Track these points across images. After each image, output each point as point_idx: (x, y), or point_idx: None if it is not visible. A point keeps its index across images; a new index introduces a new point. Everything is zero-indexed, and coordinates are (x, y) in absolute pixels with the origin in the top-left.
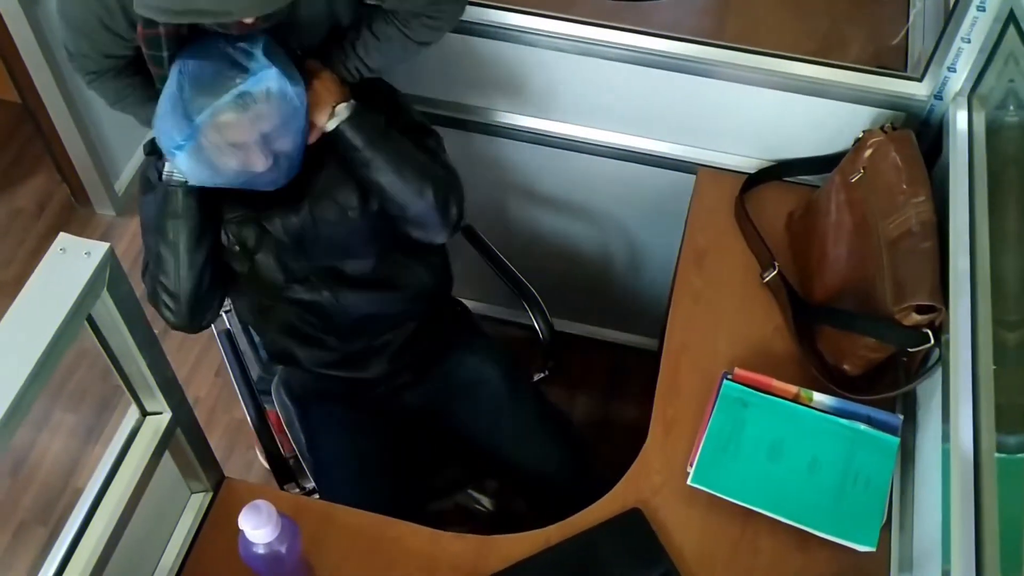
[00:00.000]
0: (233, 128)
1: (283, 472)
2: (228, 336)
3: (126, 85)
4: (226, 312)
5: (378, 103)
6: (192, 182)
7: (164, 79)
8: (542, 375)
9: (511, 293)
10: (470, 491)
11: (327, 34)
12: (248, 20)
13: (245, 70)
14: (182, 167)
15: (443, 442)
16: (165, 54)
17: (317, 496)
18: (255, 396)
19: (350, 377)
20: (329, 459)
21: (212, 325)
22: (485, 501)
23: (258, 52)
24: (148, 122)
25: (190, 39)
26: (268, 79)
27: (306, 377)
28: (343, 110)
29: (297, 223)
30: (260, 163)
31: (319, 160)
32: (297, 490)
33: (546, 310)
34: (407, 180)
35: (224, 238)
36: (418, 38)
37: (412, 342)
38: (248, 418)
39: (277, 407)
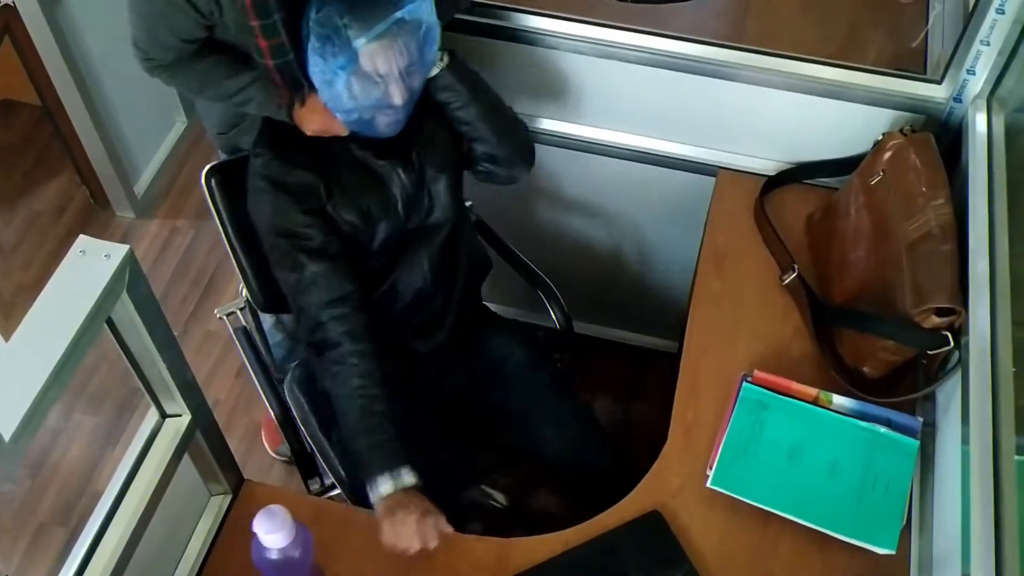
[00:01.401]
0: (386, 55)
1: (308, 467)
2: (245, 333)
3: (209, 65)
4: (240, 309)
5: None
6: (339, 108)
7: (280, 49)
8: (558, 365)
9: (527, 293)
10: (483, 487)
11: None
12: None
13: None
14: (339, 89)
15: (473, 428)
16: (276, 17)
17: (337, 491)
18: (278, 392)
19: (411, 350)
20: None
21: (228, 322)
22: (499, 497)
23: None
24: (236, 92)
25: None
26: (423, 10)
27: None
28: (443, 55)
29: (414, 177)
30: (399, 96)
31: (419, 111)
32: (318, 484)
33: (561, 300)
34: (503, 117)
35: (352, 217)
36: None
37: (464, 316)
38: (271, 413)
39: (292, 404)
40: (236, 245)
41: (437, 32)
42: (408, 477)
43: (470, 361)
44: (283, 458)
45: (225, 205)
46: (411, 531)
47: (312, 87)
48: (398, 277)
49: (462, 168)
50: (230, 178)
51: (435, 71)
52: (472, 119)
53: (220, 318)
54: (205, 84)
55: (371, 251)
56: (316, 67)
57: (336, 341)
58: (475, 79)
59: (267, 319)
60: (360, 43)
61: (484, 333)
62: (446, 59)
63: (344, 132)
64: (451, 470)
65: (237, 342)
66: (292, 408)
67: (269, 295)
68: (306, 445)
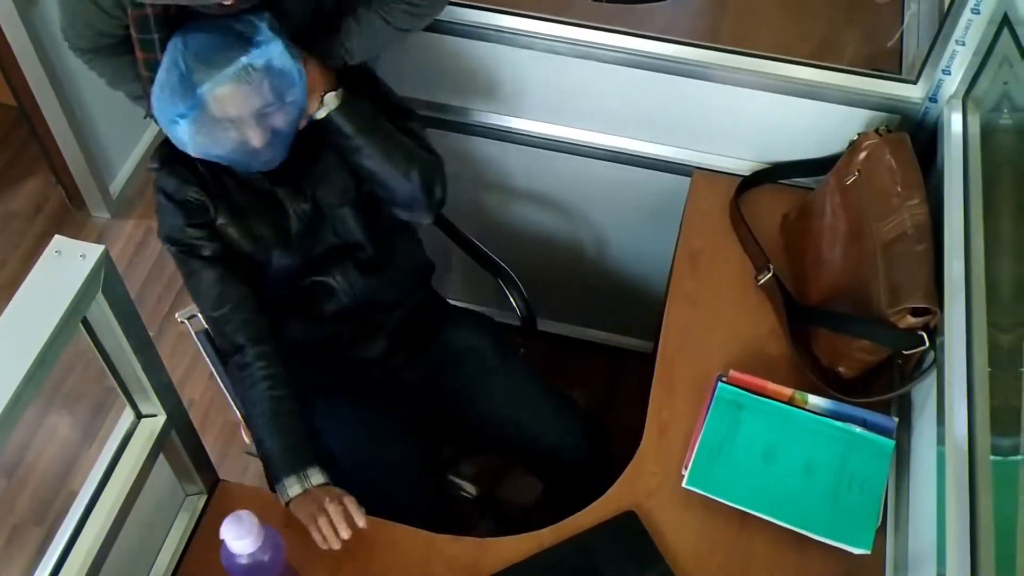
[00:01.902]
0: (234, 100)
1: None
2: (207, 336)
3: (122, 63)
4: (200, 313)
5: (363, 89)
6: (192, 152)
7: (153, 64)
8: (521, 351)
9: (486, 287)
10: (451, 477)
11: (310, 19)
12: (227, 2)
13: (249, 42)
14: (183, 137)
15: (440, 421)
16: (155, 36)
17: None
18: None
19: (351, 359)
20: (336, 449)
21: (189, 326)
22: (468, 487)
23: (263, 25)
24: (139, 97)
25: (179, 19)
26: (273, 52)
27: (301, 370)
28: (332, 99)
29: (307, 208)
30: (257, 139)
31: (316, 146)
32: None
33: (522, 288)
34: (395, 164)
35: (241, 239)
36: (399, 25)
37: (407, 321)
38: (239, 416)
39: None
40: None
41: (295, 75)
42: (316, 477)
43: (431, 354)
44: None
45: None
46: (322, 526)
47: None
48: (319, 297)
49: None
50: None
51: (322, 113)
52: (363, 163)
53: (181, 322)
54: (115, 80)
55: (268, 274)
56: (157, 106)
57: (239, 344)
58: (368, 124)
59: None
60: (205, 89)
61: (444, 327)
62: (335, 102)
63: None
64: (417, 463)
65: (200, 345)
66: None
67: None
68: None
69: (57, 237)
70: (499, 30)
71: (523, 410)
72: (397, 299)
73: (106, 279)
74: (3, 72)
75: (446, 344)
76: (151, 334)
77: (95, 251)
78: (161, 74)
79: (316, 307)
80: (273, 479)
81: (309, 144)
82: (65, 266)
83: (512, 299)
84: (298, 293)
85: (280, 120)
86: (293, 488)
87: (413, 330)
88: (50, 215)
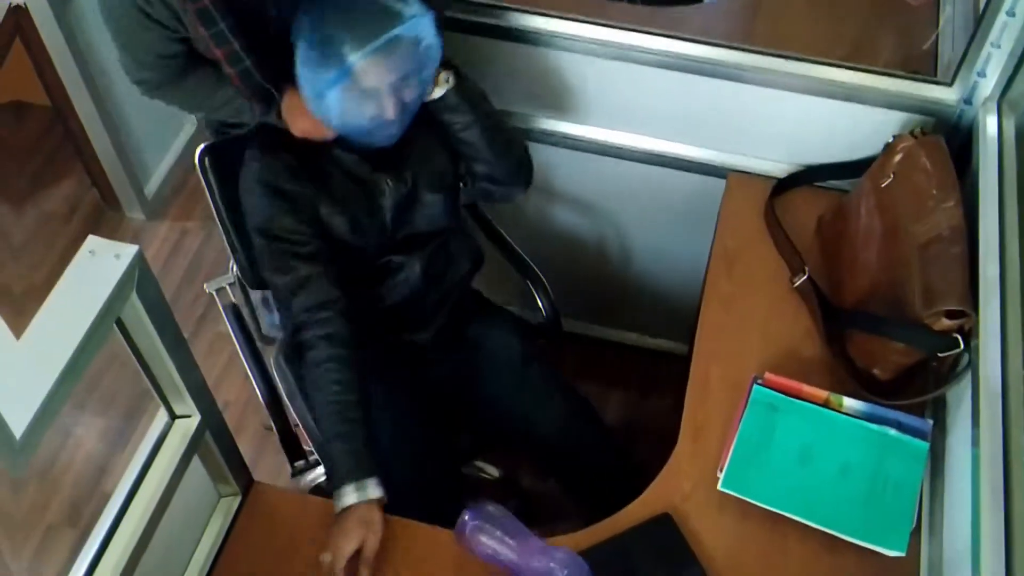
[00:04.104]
0: (382, 70)
1: (293, 448)
2: (234, 309)
3: (196, 80)
4: (230, 285)
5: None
6: (333, 123)
7: (236, 57)
8: (542, 344)
9: (515, 286)
10: (475, 462)
11: None
12: None
13: (399, 15)
14: (331, 107)
15: (460, 413)
16: (222, 25)
17: (321, 467)
18: (264, 369)
19: (400, 343)
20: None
21: (217, 297)
22: (490, 469)
23: None
24: (225, 103)
25: (245, 9)
26: (423, 27)
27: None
28: (449, 77)
29: (404, 190)
30: (391, 110)
31: (415, 130)
32: (302, 461)
33: (550, 289)
34: (505, 139)
35: (342, 227)
36: None
37: (454, 311)
38: (258, 392)
39: (278, 379)
40: (227, 223)
41: (437, 50)
42: (374, 490)
43: (462, 348)
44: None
45: (218, 184)
46: (340, 556)
47: (280, 95)
48: (390, 279)
49: (459, 185)
50: (224, 158)
51: (438, 92)
52: (474, 140)
53: (210, 292)
54: (195, 100)
55: (360, 258)
56: (304, 79)
57: (316, 344)
58: (479, 100)
59: (256, 296)
60: (355, 58)
61: (479, 325)
62: (452, 80)
63: (331, 136)
64: (439, 452)
65: (225, 317)
66: (279, 383)
67: (259, 273)
68: (290, 423)
69: (91, 237)
70: (535, 32)
71: (542, 415)
72: (455, 288)
73: (140, 279)
74: (38, 72)
75: (478, 340)
76: (185, 335)
77: (129, 251)
78: (306, 43)
79: (384, 286)
80: (333, 483)
81: (411, 129)
82: (99, 266)
83: (539, 300)
84: (371, 271)
85: (412, 94)
86: (350, 496)
87: (456, 322)
88: (85, 216)
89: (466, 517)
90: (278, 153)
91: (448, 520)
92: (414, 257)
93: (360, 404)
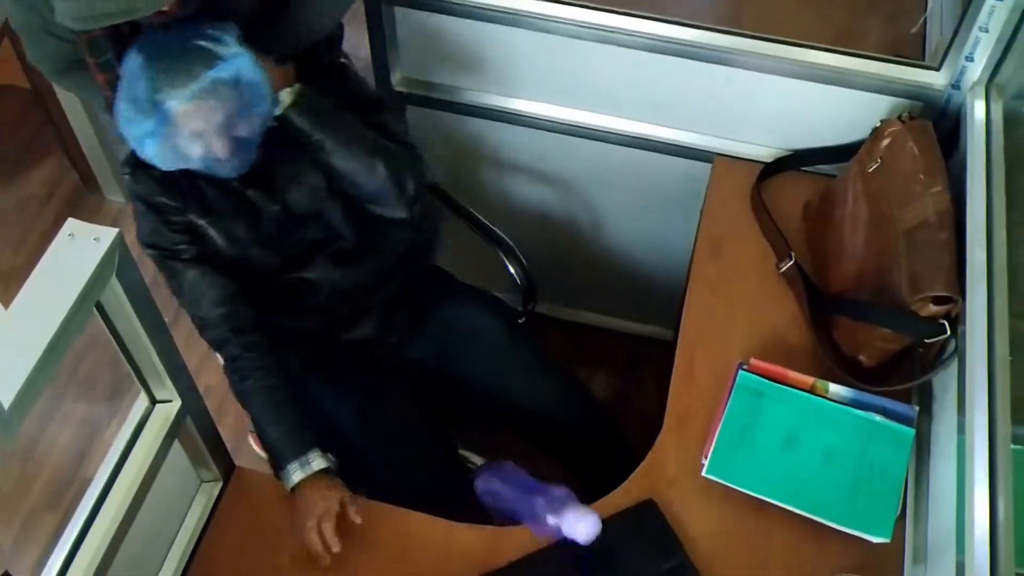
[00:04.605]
0: (201, 114)
1: None
2: None
3: (90, 80)
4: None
5: (325, 82)
6: (160, 166)
7: (116, 83)
8: (522, 321)
9: (492, 268)
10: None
11: (258, 6)
12: (165, 7)
13: (214, 56)
14: (151, 154)
15: (448, 398)
16: (110, 55)
17: None
18: None
19: (345, 342)
20: (345, 431)
21: None
22: (475, 458)
23: (229, 38)
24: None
25: (131, 35)
26: (241, 65)
27: (300, 351)
28: (286, 95)
29: (278, 210)
30: (222, 150)
31: (285, 147)
32: None
33: (522, 257)
34: (358, 158)
35: (220, 239)
36: None
37: (399, 301)
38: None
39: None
40: None
41: (262, 86)
42: (318, 462)
43: (438, 333)
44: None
45: None
46: (311, 539)
47: None
48: (300, 292)
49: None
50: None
51: (275, 112)
52: (326, 161)
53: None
54: (84, 94)
55: (251, 275)
56: (125, 130)
57: (225, 338)
58: (326, 120)
59: None
60: (172, 105)
61: (450, 305)
62: (289, 98)
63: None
64: (424, 443)
65: None
66: None
67: None
68: None
69: (71, 220)
70: (518, 13)
71: (537, 390)
72: (383, 281)
73: (120, 263)
74: (17, 55)
75: (453, 322)
76: (166, 320)
77: (109, 234)
78: (123, 90)
79: (301, 301)
80: (276, 468)
81: (278, 146)
82: (79, 249)
83: (512, 269)
84: (282, 289)
85: (245, 130)
86: (296, 474)
87: (408, 308)
88: (64, 199)
89: (476, 482)
90: (148, 170)
91: (442, 505)
92: (317, 267)
93: (284, 386)
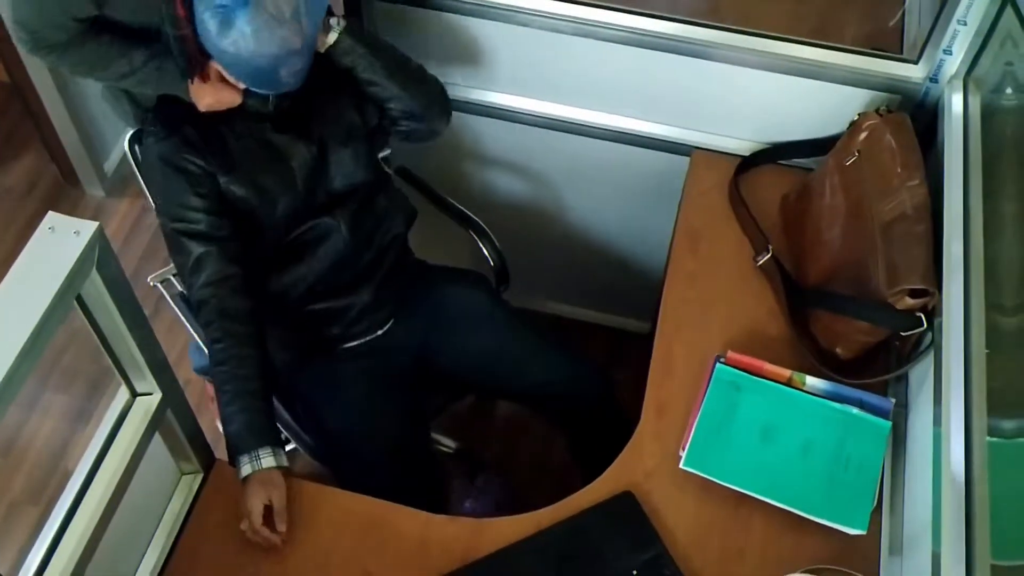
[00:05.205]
0: None
1: None
2: (183, 298)
3: (100, 45)
4: (174, 275)
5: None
6: (235, 69)
7: (176, 20)
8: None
9: (463, 255)
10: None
11: None
12: None
13: None
14: (239, 39)
15: (436, 377)
16: None
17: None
18: None
19: (338, 311)
20: (329, 422)
21: (163, 289)
22: (447, 441)
23: None
24: (131, 72)
25: None
26: None
27: (285, 335)
28: (339, 20)
29: (314, 151)
30: (297, 38)
31: (318, 88)
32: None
33: (493, 237)
34: (411, 72)
35: (247, 194)
36: None
37: (391, 274)
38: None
39: None
40: None
41: None
42: (267, 460)
43: (427, 314)
44: None
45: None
46: (248, 534)
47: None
48: (318, 244)
49: (376, 137)
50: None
51: (332, 37)
52: (380, 78)
53: (154, 285)
54: (96, 65)
55: (270, 225)
56: (209, 24)
57: (211, 320)
58: (373, 39)
59: None
60: None
61: (437, 288)
62: (342, 23)
63: (238, 100)
64: (408, 434)
65: (175, 307)
66: None
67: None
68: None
69: (51, 214)
70: (497, 7)
71: (532, 356)
72: (389, 248)
73: (100, 256)
74: None
75: (441, 302)
76: (147, 313)
77: (89, 228)
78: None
79: (310, 252)
80: (230, 457)
81: (317, 85)
82: (59, 243)
83: (484, 249)
84: (293, 241)
85: (311, 21)
86: (245, 468)
87: (397, 286)
88: (44, 192)
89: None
90: (178, 127)
91: (429, 499)
92: (338, 218)
93: (256, 377)
